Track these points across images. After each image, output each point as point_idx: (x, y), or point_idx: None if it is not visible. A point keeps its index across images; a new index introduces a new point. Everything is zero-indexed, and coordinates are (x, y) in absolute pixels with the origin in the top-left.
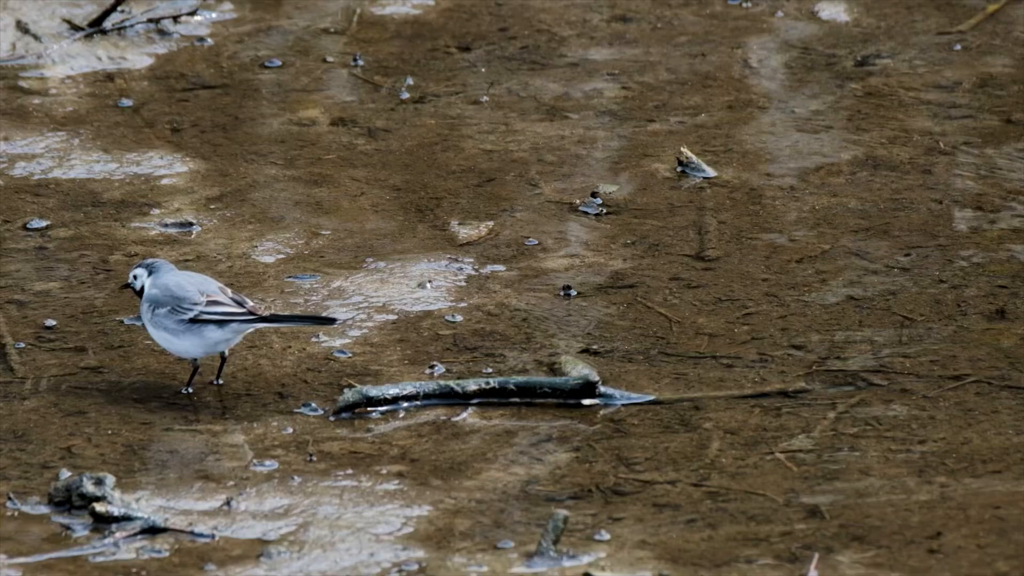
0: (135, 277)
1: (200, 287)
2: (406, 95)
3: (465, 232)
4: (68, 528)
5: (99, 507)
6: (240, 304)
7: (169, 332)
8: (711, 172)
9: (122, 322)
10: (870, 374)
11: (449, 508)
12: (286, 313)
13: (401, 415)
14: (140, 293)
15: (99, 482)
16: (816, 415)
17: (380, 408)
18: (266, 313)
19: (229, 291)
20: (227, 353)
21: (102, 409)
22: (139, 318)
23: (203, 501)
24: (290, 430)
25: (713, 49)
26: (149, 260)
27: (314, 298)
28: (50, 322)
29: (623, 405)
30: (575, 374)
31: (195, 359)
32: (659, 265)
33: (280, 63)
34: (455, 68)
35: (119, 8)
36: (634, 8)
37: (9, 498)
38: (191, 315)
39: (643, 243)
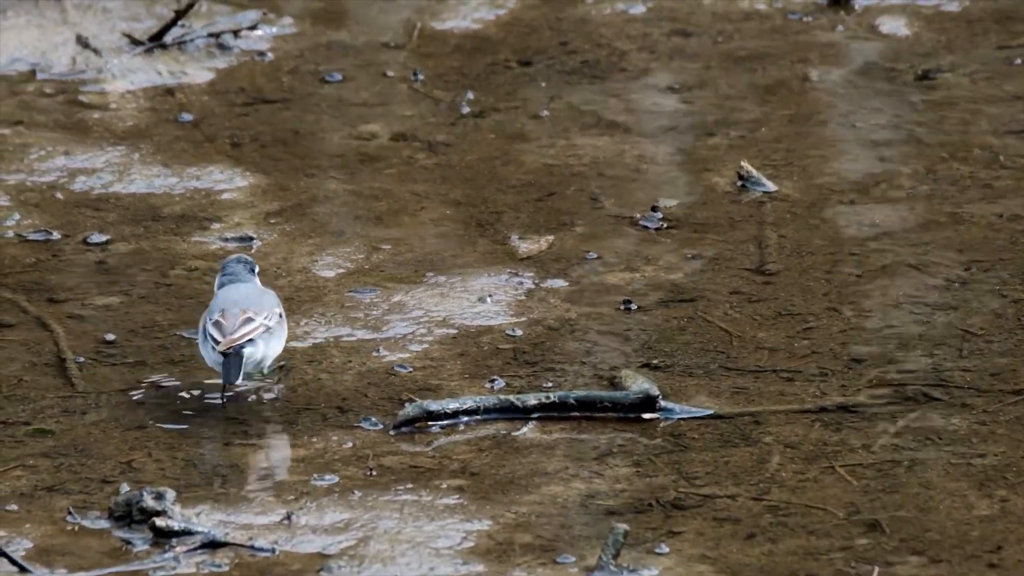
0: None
1: (223, 305)
2: (466, 109)
3: (525, 246)
4: (128, 543)
5: (159, 521)
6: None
7: (199, 336)
8: (771, 186)
9: (182, 336)
10: (930, 388)
11: (509, 522)
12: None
13: (461, 429)
14: None
15: (159, 496)
16: (876, 429)
17: (440, 422)
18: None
19: (251, 313)
20: (289, 366)
21: (162, 423)
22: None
23: (263, 515)
24: (350, 444)
25: (773, 63)
26: (231, 259)
27: (374, 312)
28: (110, 336)
29: (683, 419)
30: (635, 388)
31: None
32: (719, 279)
33: (340, 77)
34: (515, 82)
35: (179, 23)
36: (694, 22)
37: (69, 512)
38: (200, 329)
39: (703, 257)
